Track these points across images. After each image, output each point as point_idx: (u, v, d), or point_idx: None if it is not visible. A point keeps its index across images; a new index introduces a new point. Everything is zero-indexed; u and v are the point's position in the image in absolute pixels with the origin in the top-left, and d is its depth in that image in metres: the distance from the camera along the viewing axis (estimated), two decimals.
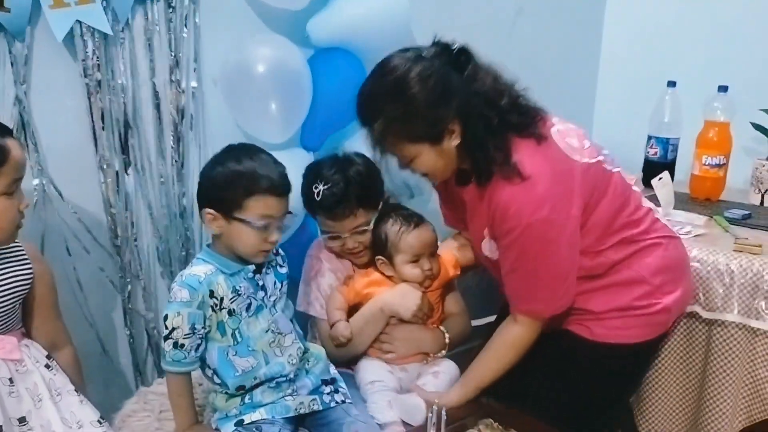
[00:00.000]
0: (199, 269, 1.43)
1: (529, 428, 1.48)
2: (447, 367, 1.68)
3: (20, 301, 1.39)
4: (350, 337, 1.64)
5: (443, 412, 0.95)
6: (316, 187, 1.62)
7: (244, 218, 1.40)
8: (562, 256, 1.47)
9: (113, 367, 1.87)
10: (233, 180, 1.41)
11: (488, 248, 1.57)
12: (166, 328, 1.40)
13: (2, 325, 1.36)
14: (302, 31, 1.91)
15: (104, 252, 1.80)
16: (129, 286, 1.84)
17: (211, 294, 1.41)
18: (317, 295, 1.71)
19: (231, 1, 1.86)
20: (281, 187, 1.43)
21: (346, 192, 1.62)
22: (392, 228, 1.66)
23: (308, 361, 1.56)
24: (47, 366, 1.39)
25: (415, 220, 1.68)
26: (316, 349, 1.61)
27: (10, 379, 1.32)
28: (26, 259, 1.40)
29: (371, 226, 1.67)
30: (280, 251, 1.58)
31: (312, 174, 1.67)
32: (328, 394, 1.55)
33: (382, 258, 1.68)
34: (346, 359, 1.69)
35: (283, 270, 1.56)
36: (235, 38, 1.83)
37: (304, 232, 1.91)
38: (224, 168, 1.43)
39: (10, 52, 1.59)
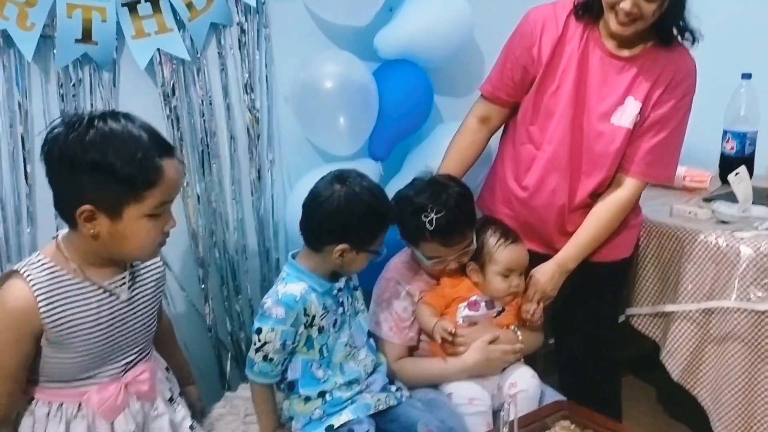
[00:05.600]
0: (294, 288, 1.49)
1: (605, 428, 1.48)
2: (526, 382, 1.66)
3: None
4: (453, 331, 1.63)
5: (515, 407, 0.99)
6: (426, 216, 1.61)
7: (373, 248, 1.52)
8: None
9: (198, 372, 1.97)
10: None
11: (621, 115, 1.69)
12: (259, 341, 1.46)
13: (146, 341, 1.40)
14: (367, 45, 1.98)
15: (188, 272, 1.91)
16: (210, 302, 1.95)
17: (305, 312, 1.48)
18: (387, 316, 1.70)
19: (299, 22, 1.94)
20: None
21: (460, 216, 1.64)
22: (491, 239, 1.69)
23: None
24: (171, 399, 1.44)
25: (513, 235, 1.70)
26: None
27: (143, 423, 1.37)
28: (159, 262, 1.43)
29: (475, 243, 1.69)
30: None
31: (412, 205, 1.65)
32: (396, 390, 1.61)
33: (474, 264, 1.71)
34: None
35: (352, 283, 1.62)
36: (304, 57, 1.91)
37: None
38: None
39: (98, 81, 1.72)
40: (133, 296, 1.35)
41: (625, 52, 1.71)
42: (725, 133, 2.25)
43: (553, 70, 1.72)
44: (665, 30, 1.67)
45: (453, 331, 1.63)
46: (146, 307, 1.39)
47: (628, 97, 1.70)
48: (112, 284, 1.31)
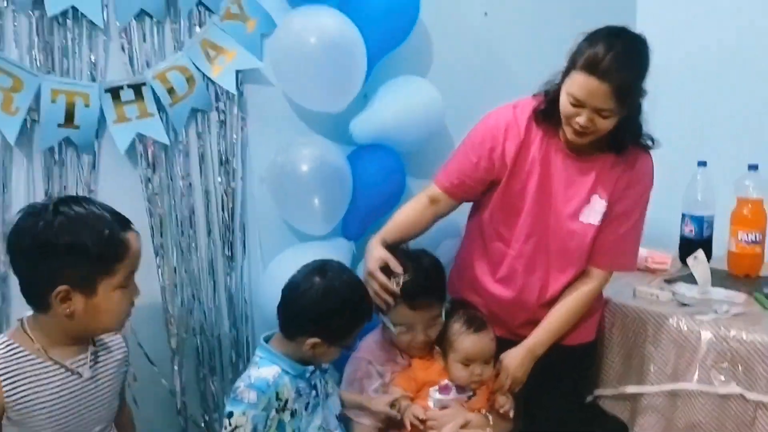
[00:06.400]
0: (267, 372, 1.50)
1: None
2: None
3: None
4: (423, 418, 1.64)
5: None
6: (395, 277, 1.67)
7: (346, 343, 1.55)
8: None
9: None
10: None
11: (589, 214, 1.77)
12: (230, 425, 1.46)
13: (108, 420, 1.41)
14: (342, 130, 2.05)
15: (160, 351, 1.91)
16: (182, 383, 1.94)
17: (277, 396, 1.49)
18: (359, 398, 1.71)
19: (276, 108, 2.01)
20: None
21: (428, 280, 1.69)
22: (453, 324, 1.72)
23: None
24: None
25: (477, 323, 1.72)
26: None
27: None
28: (122, 343, 1.47)
29: (443, 318, 1.73)
30: None
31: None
32: None
33: (439, 349, 1.74)
34: None
35: (325, 366, 1.64)
36: (281, 141, 1.97)
37: None
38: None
39: (78, 164, 1.75)
40: (96, 375, 1.38)
41: (586, 154, 1.77)
42: (684, 216, 2.34)
43: (518, 172, 1.78)
44: (619, 141, 1.73)
45: (423, 418, 1.64)
46: (109, 385, 1.41)
47: (594, 196, 1.77)
48: (74, 363, 1.34)
